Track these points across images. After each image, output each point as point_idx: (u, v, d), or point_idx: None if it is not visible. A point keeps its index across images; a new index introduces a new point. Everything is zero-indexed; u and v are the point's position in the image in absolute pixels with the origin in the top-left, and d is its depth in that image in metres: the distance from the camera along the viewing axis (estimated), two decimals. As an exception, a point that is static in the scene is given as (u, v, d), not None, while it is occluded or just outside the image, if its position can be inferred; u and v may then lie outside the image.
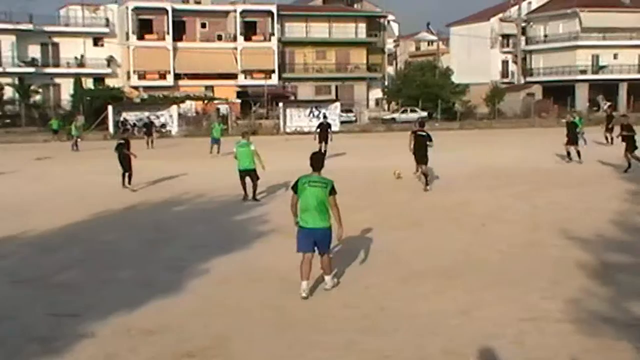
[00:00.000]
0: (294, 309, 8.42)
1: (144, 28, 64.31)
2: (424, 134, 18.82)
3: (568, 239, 12.01)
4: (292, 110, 50.67)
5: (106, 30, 64.71)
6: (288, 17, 69.68)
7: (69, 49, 62.84)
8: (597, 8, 69.78)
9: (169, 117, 49.53)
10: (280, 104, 51.66)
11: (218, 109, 55.59)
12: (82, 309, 8.54)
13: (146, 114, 46.81)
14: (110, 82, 61.30)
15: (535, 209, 15.33)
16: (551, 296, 8.69)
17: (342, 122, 50.62)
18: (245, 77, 66.68)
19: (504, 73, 77.61)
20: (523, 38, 74.96)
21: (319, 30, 69.75)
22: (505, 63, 78.48)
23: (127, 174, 20.02)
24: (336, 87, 69.79)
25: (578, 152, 24.45)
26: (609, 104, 61.09)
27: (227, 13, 67.87)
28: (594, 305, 8.32)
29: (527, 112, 60.21)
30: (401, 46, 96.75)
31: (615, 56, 71.88)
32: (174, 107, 50.35)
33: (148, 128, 38.66)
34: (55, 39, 62.89)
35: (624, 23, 70.73)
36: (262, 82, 64.43)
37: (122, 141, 20.73)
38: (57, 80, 61.54)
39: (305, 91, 67.95)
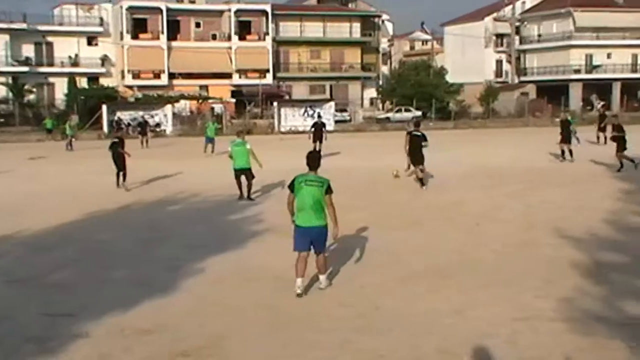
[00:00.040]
0: (288, 308, 8.44)
1: (138, 27, 64.18)
2: (419, 134, 18.88)
3: (561, 238, 12.06)
4: (287, 110, 50.68)
5: (100, 29, 64.56)
6: (282, 17, 69.65)
7: (63, 48, 62.68)
8: (591, 8, 69.99)
9: (163, 116, 49.49)
10: (275, 104, 51.63)
11: (212, 109, 55.55)
12: (77, 309, 8.54)
13: (140, 113, 46.68)
14: (104, 81, 61.17)
15: (529, 208, 15.38)
16: (545, 295, 8.72)
17: (336, 122, 50.66)
18: (240, 77, 66.64)
19: (498, 72, 77.73)
20: (517, 37, 75.08)
21: (314, 29, 69.75)
22: (499, 62, 78.62)
23: (121, 173, 19.99)
24: (330, 87, 69.80)
25: (570, 151, 24.62)
26: (602, 103, 61.29)
27: (221, 12, 67.79)
28: (588, 304, 8.36)
29: (521, 111, 60.33)
30: (395, 46, 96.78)
31: (608, 56, 72.10)
32: (168, 106, 50.27)
33: (143, 127, 38.58)
34: (49, 38, 62.73)
35: (617, 23, 70.93)
36: (256, 81, 64.36)
37: (116, 140, 20.68)
38: (51, 79, 61.40)
39: (300, 90, 67.93)
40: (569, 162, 24.14)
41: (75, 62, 62.99)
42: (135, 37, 63.73)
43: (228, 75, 65.85)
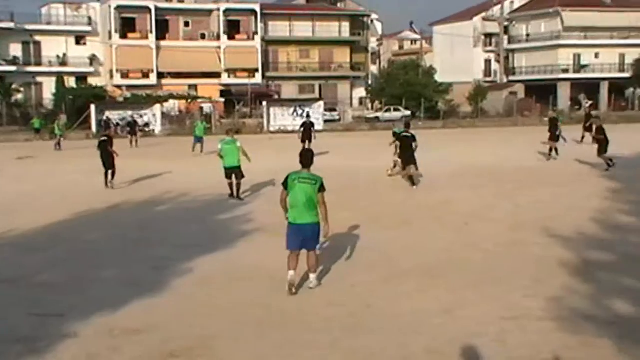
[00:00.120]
0: (278, 308, 8.43)
1: (126, 27, 63.96)
2: (409, 135, 18.99)
3: (550, 237, 12.11)
4: (276, 109, 50.69)
5: (89, 28, 64.31)
6: (271, 16, 69.62)
7: (51, 47, 62.38)
8: (579, 7, 70.41)
9: (152, 116, 49.40)
10: (264, 103, 51.65)
11: (202, 108, 55.44)
12: (65, 309, 8.50)
13: (129, 113, 46.62)
14: (93, 81, 60.97)
15: (517, 208, 15.44)
16: (533, 294, 8.75)
17: (325, 121, 50.72)
18: (229, 76, 66.55)
19: (487, 72, 78.00)
20: (505, 37, 75.37)
21: (303, 29, 69.75)
22: (488, 62, 78.90)
23: (110, 172, 19.93)
24: (320, 86, 69.81)
25: (556, 149, 24.99)
26: (590, 102, 61.70)
27: (210, 12, 67.69)
28: (576, 303, 8.40)
29: (510, 111, 60.57)
30: (384, 45, 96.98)
31: (596, 55, 72.53)
32: (157, 106, 50.19)
33: (132, 127, 38.50)
34: (37, 38, 62.46)
35: (605, 22, 71.33)
36: (245, 81, 64.31)
37: (104, 138, 20.63)
38: (39, 79, 61.18)
39: (289, 90, 67.94)
40: (554, 159, 24.51)
41: (63, 62, 62.71)
42: (123, 36, 63.52)
43: (217, 75, 65.76)
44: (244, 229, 13.49)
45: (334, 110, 61.14)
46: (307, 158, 9.34)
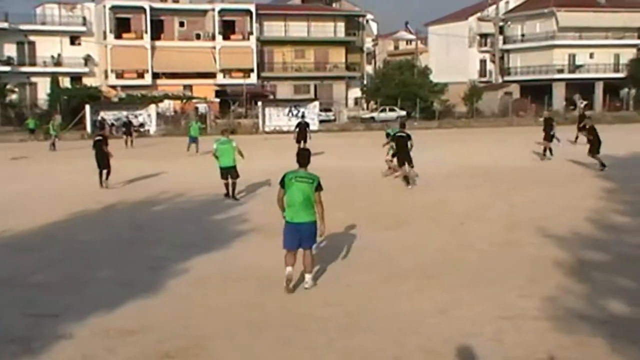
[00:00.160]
0: (274, 308, 8.44)
1: (121, 27, 63.89)
2: (404, 135, 19.06)
3: (545, 237, 12.13)
4: (271, 110, 50.63)
5: (83, 29, 64.18)
6: (267, 16, 69.58)
7: (46, 47, 62.25)
8: (574, 8, 70.49)
9: (147, 116, 49.29)
10: (259, 103, 51.57)
11: (197, 108, 55.36)
12: (61, 309, 8.49)
13: (124, 113, 46.49)
14: (87, 81, 60.73)
15: (512, 208, 15.46)
16: (528, 294, 8.77)
17: (321, 121, 50.70)
18: (224, 76, 66.51)
19: (482, 72, 78.02)
20: (501, 37, 75.40)
21: (298, 29, 69.74)
22: (483, 62, 78.92)
23: (104, 171, 19.92)
24: (315, 86, 69.82)
25: (550, 149, 25.32)
26: (585, 103, 61.77)
27: (205, 12, 67.62)
28: (570, 302, 8.42)
29: (505, 111, 60.60)
30: (380, 45, 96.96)
31: (591, 55, 72.63)
32: (152, 106, 50.07)
33: (127, 127, 38.45)
34: (32, 38, 62.32)
35: (599, 23, 71.45)
36: (240, 81, 64.26)
37: (99, 138, 20.60)
38: (34, 79, 61.00)
39: (284, 90, 67.92)
40: (548, 159, 24.67)
41: (58, 62, 62.57)
42: (118, 36, 63.44)
43: (212, 75, 65.71)
44: (239, 229, 13.48)
45: (329, 110, 61.14)
46: (303, 157, 9.38)
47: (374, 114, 59.05)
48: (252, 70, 66.98)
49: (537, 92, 65.56)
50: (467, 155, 27.71)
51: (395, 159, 19.99)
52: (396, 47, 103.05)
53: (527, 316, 7.96)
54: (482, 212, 14.94)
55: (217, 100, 61.54)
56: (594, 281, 9.36)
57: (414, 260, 10.72)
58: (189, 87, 62.88)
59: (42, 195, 18.89)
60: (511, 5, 78.63)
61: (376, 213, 15.10)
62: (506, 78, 74.50)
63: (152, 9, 64.15)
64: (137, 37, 63.90)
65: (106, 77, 63.09)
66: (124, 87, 61.18)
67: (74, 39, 64.30)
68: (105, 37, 63.26)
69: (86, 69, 63.61)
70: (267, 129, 48.16)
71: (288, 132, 35.86)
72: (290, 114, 49.18)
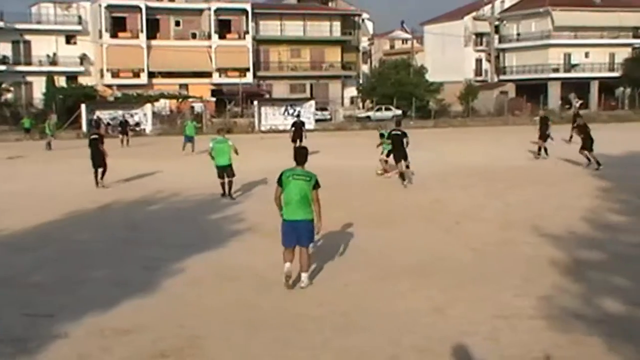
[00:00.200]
0: (269, 308, 8.43)
1: (117, 26, 63.78)
2: (399, 132, 19.16)
3: (540, 236, 12.15)
4: (267, 109, 50.65)
5: (79, 28, 64.07)
6: (262, 15, 69.54)
7: (41, 46, 62.14)
8: (569, 7, 70.64)
9: (143, 115, 49.24)
10: (255, 103, 51.59)
11: (192, 108, 55.31)
12: (56, 309, 8.48)
13: (120, 112, 46.44)
14: (83, 80, 60.70)
15: (508, 207, 15.48)
16: (524, 293, 8.78)
17: (317, 121, 50.70)
18: (220, 76, 66.44)
19: (478, 71, 78.13)
20: (496, 36, 75.47)
21: (294, 28, 69.71)
22: (478, 61, 79.02)
23: (100, 170, 19.88)
24: (311, 86, 69.79)
25: (545, 149, 25.33)
26: (580, 102, 61.85)
27: (201, 11, 67.54)
28: (566, 301, 8.43)
29: (501, 110, 60.69)
30: (376, 44, 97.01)
31: (586, 55, 72.85)
32: (148, 105, 50.03)
33: (123, 127, 38.41)
34: (27, 37, 62.19)
35: (595, 22, 71.59)
36: (236, 80, 64.24)
37: (95, 136, 20.56)
38: (29, 78, 60.86)
39: (280, 89, 67.93)
40: (544, 159, 24.73)
41: (53, 61, 62.45)
42: (114, 35, 63.33)
43: (208, 74, 65.67)
44: (235, 228, 13.47)
45: (325, 109, 61.12)
46: (301, 155, 9.42)
47: (370, 113, 59.07)
48: (248, 69, 66.96)
49: (532, 91, 65.68)
50: (462, 155, 27.73)
51: (390, 158, 20.09)
52: (392, 47, 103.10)
53: (523, 315, 7.96)
54: (478, 212, 14.95)
55: (213, 99, 61.46)
56: (590, 280, 9.38)
57: (410, 259, 10.72)
58: (184, 87, 62.79)
59: (37, 195, 18.85)
60: (507, 5, 78.74)
61: (372, 212, 15.10)
62: (502, 77, 74.62)
63: (147, 8, 64.05)
64: (133, 36, 63.81)
65: (102, 76, 62.97)
66: (119, 87, 61.05)
67: (70, 38, 64.20)
68: (100, 36, 63.16)
69: (82, 68, 63.53)
70: (263, 128, 48.17)
71: (284, 131, 35.92)
72: (286, 113, 49.22)
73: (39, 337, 7.50)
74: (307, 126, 30.92)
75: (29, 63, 61.86)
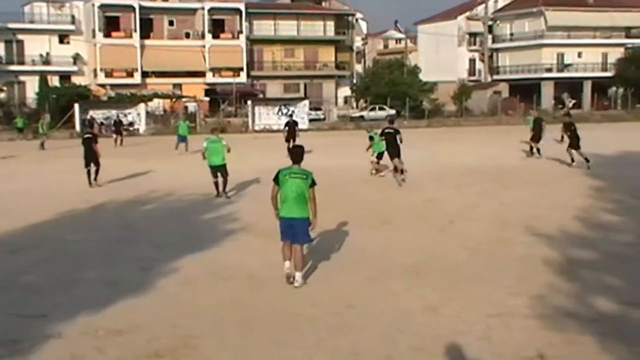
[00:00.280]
0: (263, 308, 8.43)
1: (110, 25, 63.62)
2: (391, 130, 19.25)
3: (534, 235, 12.17)
4: (261, 108, 50.63)
5: (72, 27, 63.85)
6: (256, 15, 69.50)
7: (34, 46, 61.91)
8: (562, 7, 70.89)
9: (136, 115, 49.17)
10: (249, 102, 51.54)
11: (186, 107, 55.25)
12: (49, 309, 8.45)
13: (113, 112, 46.37)
14: (76, 80, 60.54)
15: (502, 206, 15.50)
16: (517, 292, 8.81)
17: (310, 120, 50.68)
18: (214, 75, 66.36)
19: (471, 71, 78.29)
20: (490, 36, 75.59)
21: (288, 28, 69.69)
22: (472, 61, 79.17)
23: (93, 170, 19.85)
24: (305, 85, 69.79)
25: (538, 149, 25.31)
26: (573, 101, 62.03)
27: (195, 11, 67.45)
28: (559, 300, 8.46)
29: (494, 109, 60.82)
30: (369, 44, 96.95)
31: (579, 54, 73.07)
32: (142, 105, 49.96)
33: (117, 126, 38.34)
34: (20, 36, 61.96)
35: (588, 22, 71.82)
36: (230, 80, 64.14)
37: (88, 135, 20.51)
38: (22, 78, 60.68)
39: (274, 89, 67.89)
40: (537, 158, 24.80)
41: (46, 61, 62.22)
42: (107, 35, 63.17)
43: (202, 74, 65.59)
44: (229, 228, 13.46)
45: (319, 109, 61.14)
46: (297, 153, 9.50)
47: (364, 113, 59.13)
48: (241, 69, 66.91)
49: (525, 91, 65.81)
50: (456, 154, 27.77)
51: (379, 160, 20.35)
52: (386, 46, 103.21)
53: (516, 314, 7.98)
54: (472, 211, 14.98)
55: (207, 99, 61.42)
56: (583, 279, 9.41)
57: (404, 259, 10.73)
58: (178, 86, 62.75)
59: (30, 195, 18.79)
60: (500, 5, 78.94)
61: (365, 212, 15.10)
62: (495, 77, 74.75)
63: (141, 7, 63.89)
64: (126, 36, 63.67)
65: (95, 76, 62.80)
66: (113, 86, 60.96)
67: (63, 37, 63.97)
68: (94, 36, 63.00)
69: (75, 68, 63.31)
70: (256, 128, 48.15)
71: (278, 131, 35.87)
72: (280, 113, 49.20)
73: (32, 337, 7.48)
74: (300, 126, 30.93)
75: (22, 62, 61.64)
